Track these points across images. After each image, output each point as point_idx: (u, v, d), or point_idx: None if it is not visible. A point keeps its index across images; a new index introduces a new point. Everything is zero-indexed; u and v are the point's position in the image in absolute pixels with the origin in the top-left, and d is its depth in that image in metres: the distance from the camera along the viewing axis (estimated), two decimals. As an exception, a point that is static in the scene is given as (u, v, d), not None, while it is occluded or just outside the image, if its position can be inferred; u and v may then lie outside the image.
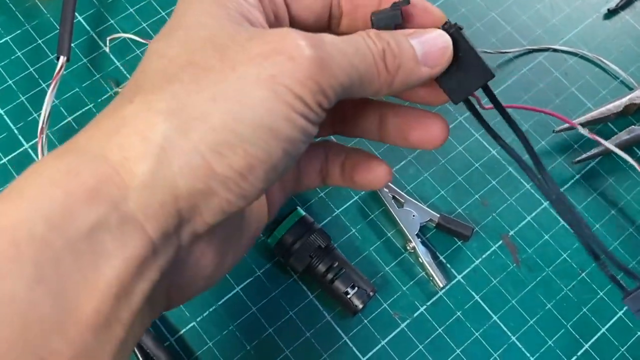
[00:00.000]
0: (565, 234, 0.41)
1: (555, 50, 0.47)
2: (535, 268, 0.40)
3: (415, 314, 0.39)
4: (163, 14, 0.46)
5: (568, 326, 0.39)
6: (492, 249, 0.41)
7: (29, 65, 0.44)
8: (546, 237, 0.41)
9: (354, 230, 0.41)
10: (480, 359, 0.38)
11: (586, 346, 0.38)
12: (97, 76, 0.44)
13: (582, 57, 0.47)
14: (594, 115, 0.44)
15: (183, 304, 0.28)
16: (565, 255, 0.41)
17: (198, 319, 0.37)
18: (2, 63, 0.44)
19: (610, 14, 0.49)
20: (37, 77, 0.44)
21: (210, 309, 0.38)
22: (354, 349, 0.38)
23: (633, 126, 0.44)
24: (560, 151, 0.44)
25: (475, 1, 0.49)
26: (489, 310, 0.39)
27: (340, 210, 0.41)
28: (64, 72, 0.41)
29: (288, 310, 0.38)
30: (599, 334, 0.39)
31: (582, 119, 0.44)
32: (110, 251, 0.21)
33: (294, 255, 0.37)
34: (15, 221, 0.20)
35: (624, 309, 0.40)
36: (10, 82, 0.43)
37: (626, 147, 0.43)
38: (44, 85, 0.43)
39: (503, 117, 0.31)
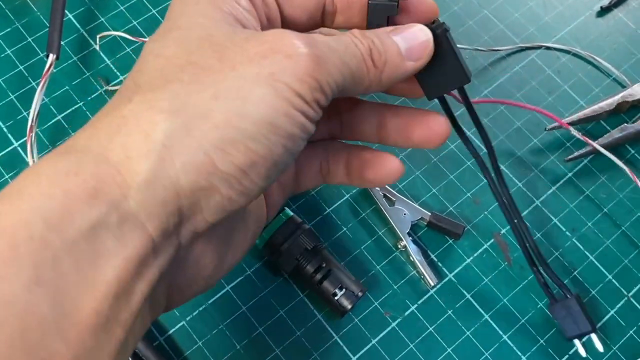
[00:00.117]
0: (557, 233, 0.41)
1: (547, 48, 0.47)
2: (527, 267, 0.40)
3: (406, 313, 0.39)
4: (154, 11, 0.46)
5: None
6: (484, 247, 0.41)
7: (18, 63, 0.44)
8: (538, 235, 0.41)
9: (344, 229, 0.40)
10: (471, 357, 0.38)
11: (578, 345, 0.38)
12: (87, 74, 0.44)
13: (575, 54, 0.47)
14: (586, 113, 0.44)
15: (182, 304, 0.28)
16: (557, 254, 0.41)
17: (188, 318, 0.37)
18: (-8, 61, 0.44)
19: (603, 11, 0.49)
20: (26, 75, 0.44)
21: (200, 308, 0.38)
22: (345, 348, 0.37)
23: (625, 124, 0.44)
24: (552, 149, 0.44)
25: (468, -1, 0.49)
26: (480, 309, 0.39)
27: (331, 209, 0.41)
28: (54, 70, 0.41)
29: (278, 310, 0.38)
30: (586, 337, 0.38)
31: (575, 117, 0.43)
32: (110, 250, 0.21)
33: (282, 257, 0.37)
34: (13, 222, 0.20)
35: (616, 307, 0.39)
36: (-1, 80, 0.43)
37: (618, 145, 0.43)
38: (33, 84, 0.43)
39: (470, 116, 0.32)
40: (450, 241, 0.41)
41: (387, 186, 0.41)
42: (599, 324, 0.39)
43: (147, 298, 0.23)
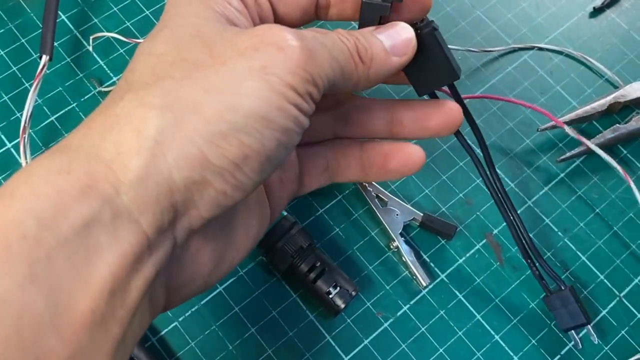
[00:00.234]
0: (549, 233, 0.41)
1: (540, 48, 0.47)
2: (519, 267, 0.40)
3: (399, 313, 0.39)
4: (147, 12, 0.46)
5: (552, 325, 0.39)
6: (476, 247, 0.41)
7: (11, 65, 0.44)
8: (530, 235, 0.41)
9: (337, 230, 0.41)
10: (464, 358, 0.38)
11: (570, 345, 0.38)
12: (80, 75, 0.44)
13: (568, 55, 0.47)
14: (578, 113, 0.44)
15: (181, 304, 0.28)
16: (549, 254, 0.41)
17: (180, 319, 0.37)
18: (-15, 62, 0.44)
19: (596, 12, 0.49)
20: (20, 76, 0.44)
21: (193, 309, 0.38)
22: (337, 348, 0.38)
23: (617, 125, 0.44)
24: (545, 150, 0.44)
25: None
26: (472, 309, 0.39)
27: (324, 209, 0.41)
28: (47, 72, 0.41)
29: (271, 310, 0.38)
30: (582, 332, 0.38)
31: (567, 117, 0.43)
32: (103, 247, 0.21)
33: (276, 256, 0.37)
34: (6, 222, 0.20)
35: (608, 308, 0.40)
36: (-8, 81, 0.43)
37: (610, 145, 0.43)
38: (26, 85, 0.43)
39: (464, 113, 0.33)
40: (443, 242, 0.41)
41: (379, 187, 0.41)
42: (591, 323, 0.39)
43: (145, 295, 0.23)
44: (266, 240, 0.37)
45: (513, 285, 0.40)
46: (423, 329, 0.38)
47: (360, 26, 0.30)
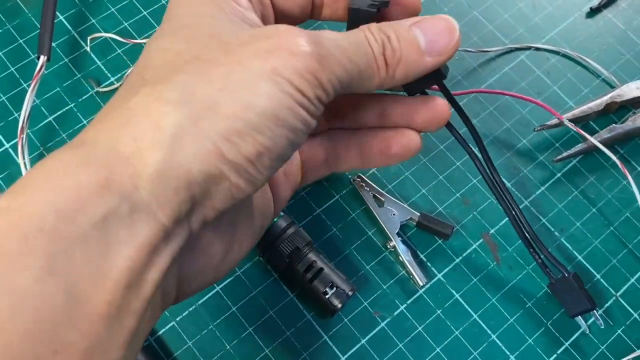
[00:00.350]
0: (546, 233, 0.41)
1: (537, 48, 0.47)
2: (516, 266, 0.40)
3: (396, 313, 0.39)
4: (145, 13, 0.46)
5: (548, 324, 0.39)
6: (473, 247, 0.41)
7: (9, 65, 0.44)
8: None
9: (334, 230, 0.41)
10: (460, 357, 0.38)
11: (566, 344, 0.38)
12: (78, 76, 0.44)
13: (564, 55, 0.47)
14: (575, 113, 0.44)
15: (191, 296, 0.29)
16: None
17: (177, 319, 0.37)
18: (-17, 63, 0.44)
19: (593, 12, 0.49)
20: (17, 76, 0.44)
21: (190, 309, 0.38)
22: (334, 347, 0.38)
23: (614, 124, 0.44)
24: (541, 150, 0.44)
25: (458, 0, 0.49)
26: (469, 309, 0.39)
27: (321, 209, 0.41)
28: (45, 72, 0.42)
29: (268, 310, 0.38)
30: (579, 332, 0.39)
31: (564, 117, 0.44)
32: (121, 240, 0.21)
33: (273, 256, 0.37)
34: (25, 215, 0.20)
35: (605, 306, 0.40)
36: (-10, 82, 0.43)
37: (607, 145, 0.43)
38: (24, 85, 0.43)
39: (455, 109, 0.34)
40: (440, 241, 0.41)
41: (376, 186, 0.41)
42: (588, 322, 0.39)
43: (159, 286, 0.23)
44: (263, 240, 0.37)
45: (510, 285, 0.40)
46: (420, 328, 0.38)
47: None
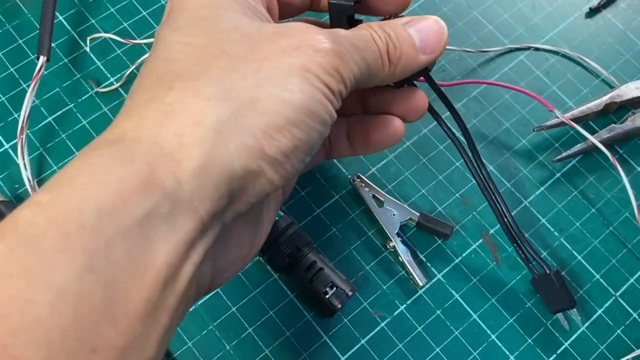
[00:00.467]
0: (545, 233, 0.41)
1: (536, 49, 0.47)
2: (515, 267, 0.40)
3: (395, 313, 0.39)
4: (144, 13, 0.46)
5: (548, 324, 0.39)
6: (472, 247, 0.41)
7: (9, 65, 0.44)
8: (526, 235, 0.41)
9: (334, 230, 0.41)
10: (460, 357, 0.38)
11: (566, 344, 0.38)
12: (78, 76, 0.44)
13: (564, 55, 0.47)
14: (574, 113, 0.44)
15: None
16: (545, 254, 0.41)
17: (177, 319, 0.37)
18: (-18, 63, 0.44)
19: (592, 12, 0.49)
20: (17, 77, 0.44)
21: (190, 309, 0.38)
22: (334, 348, 0.38)
23: (613, 124, 0.44)
24: (540, 150, 0.44)
25: (457, 0, 0.49)
26: (468, 309, 0.39)
27: (320, 209, 0.41)
28: (45, 72, 0.42)
29: (268, 310, 0.38)
30: (578, 332, 0.39)
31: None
32: (162, 237, 0.21)
33: (273, 256, 0.37)
34: (65, 210, 0.20)
35: (604, 307, 0.40)
36: (-10, 82, 0.43)
37: (606, 145, 0.43)
38: (24, 85, 0.43)
39: (439, 97, 0.35)
40: (439, 241, 0.41)
41: (376, 187, 0.41)
42: (587, 323, 0.39)
43: (193, 280, 0.23)
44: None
45: (509, 285, 0.40)
46: (420, 328, 0.38)
47: (331, 26, 0.31)
